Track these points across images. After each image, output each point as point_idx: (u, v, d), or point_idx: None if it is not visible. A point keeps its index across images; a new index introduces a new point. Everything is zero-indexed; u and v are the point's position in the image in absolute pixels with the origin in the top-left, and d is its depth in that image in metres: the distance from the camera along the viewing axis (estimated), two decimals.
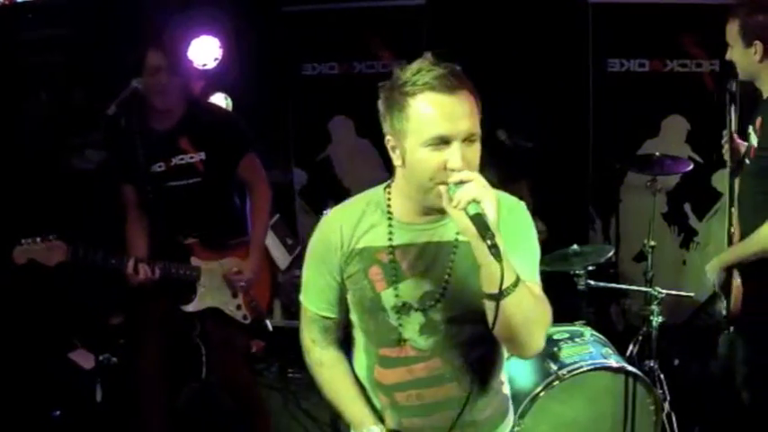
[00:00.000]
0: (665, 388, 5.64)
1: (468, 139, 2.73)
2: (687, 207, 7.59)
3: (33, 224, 5.14)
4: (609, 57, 7.43)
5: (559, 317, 5.61)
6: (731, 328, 5.13)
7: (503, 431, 3.30)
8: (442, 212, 2.82)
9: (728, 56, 4.77)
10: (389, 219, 3.00)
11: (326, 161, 8.01)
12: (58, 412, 6.04)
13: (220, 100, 7.12)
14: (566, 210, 7.56)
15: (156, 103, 5.09)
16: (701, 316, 7.47)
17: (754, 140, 4.69)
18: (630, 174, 7.32)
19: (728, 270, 4.89)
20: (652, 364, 5.63)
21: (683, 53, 7.13)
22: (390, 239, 2.98)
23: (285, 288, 6.71)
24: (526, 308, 2.74)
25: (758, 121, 4.65)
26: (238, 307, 5.39)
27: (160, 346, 5.40)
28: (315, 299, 3.22)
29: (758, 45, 4.54)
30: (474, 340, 3.00)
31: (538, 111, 7.39)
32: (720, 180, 7.16)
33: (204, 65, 6.98)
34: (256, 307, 5.46)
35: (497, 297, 2.65)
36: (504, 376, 3.29)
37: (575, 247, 5.88)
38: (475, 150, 2.78)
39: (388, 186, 3.07)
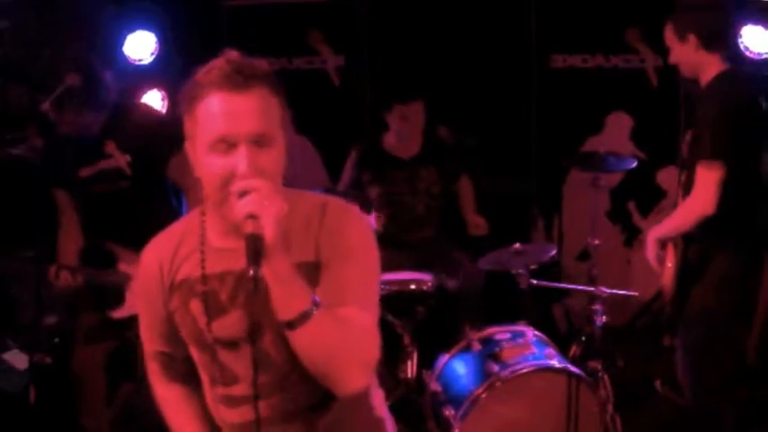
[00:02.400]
0: (609, 389, 5.68)
1: (258, 142, 2.46)
2: (631, 205, 7.66)
3: None
4: (552, 52, 7.50)
5: (501, 317, 5.68)
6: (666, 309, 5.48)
7: None
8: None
9: (671, 59, 5.17)
10: (202, 244, 2.72)
11: None
12: None
13: (156, 96, 7.09)
14: (508, 207, 7.60)
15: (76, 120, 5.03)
16: (645, 316, 7.56)
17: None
18: (573, 171, 7.39)
19: (661, 250, 5.27)
20: (595, 365, 5.65)
21: (627, 48, 7.19)
22: (203, 268, 2.69)
23: None
24: (329, 340, 2.46)
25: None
26: None
27: (94, 346, 5.34)
28: (149, 335, 2.94)
29: (692, 37, 4.97)
30: None
31: (480, 107, 7.42)
32: (665, 177, 7.24)
33: (140, 60, 6.95)
34: None
35: (288, 327, 2.43)
36: (375, 401, 2.95)
37: (517, 245, 5.91)
38: (270, 155, 2.49)
39: (204, 207, 2.76)
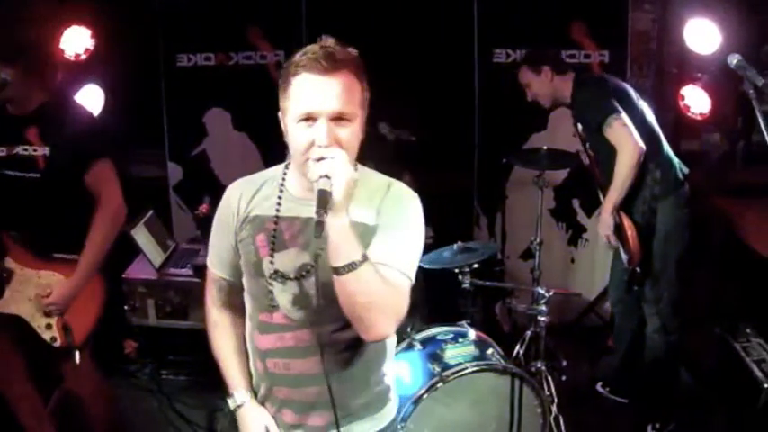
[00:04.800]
0: (553, 390, 5.72)
1: (337, 119, 2.97)
2: (576, 203, 7.73)
3: None
4: (495, 47, 7.52)
5: (443, 316, 5.71)
6: (638, 270, 5.91)
7: (378, 421, 3.50)
8: None
9: (530, 98, 6.15)
10: (281, 191, 3.27)
11: (202, 156, 7.96)
12: None
13: (92, 92, 7.05)
14: (450, 206, 7.62)
15: (10, 108, 5.02)
16: (589, 315, 7.63)
17: (579, 126, 6.11)
18: (517, 169, 7.41)
19: (617, 218, 5.79)
20: (539, 365, 5.71)
21: (572, 43, 7.24)
22: (278, 210, 3.23)
23: (159, 287, 6.66)
24: (370, 290, 2.93)
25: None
26: (48, 326, 5.07)
27: (10, 351, 5.29)
28: (214, 260, 3.51)
29: (546, 69, 6.01)
30: (345, 320, 3.09)
31: (421, 103, 7.44)
32: None
33: (76, 55, 6.91)
34: (70, 333, 5.09)
35: (336, 272, 2.91)
36: (387, 369, 3.51)
37: (459, 243, 5.95)
38: (347, 131, 3.00)
39: (288, 162, 3.31)
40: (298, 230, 3.20)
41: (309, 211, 2.94)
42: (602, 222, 5.85)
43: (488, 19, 7.46)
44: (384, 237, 3.10)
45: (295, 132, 3.02)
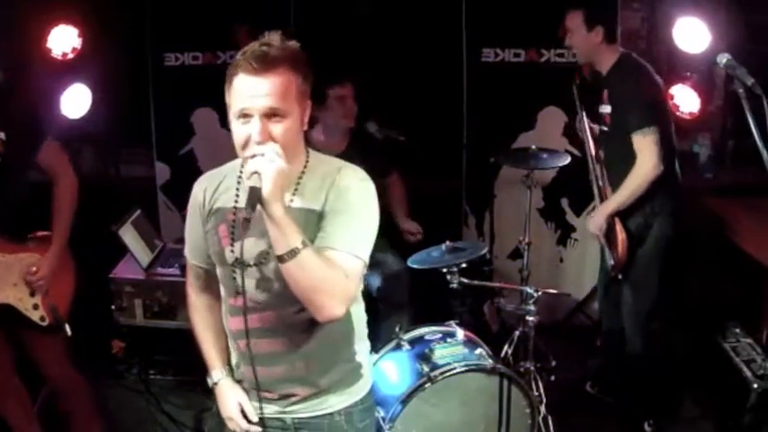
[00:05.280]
0: (542, 390, 5.72)
1: (270, 115, 3.15)
2: (564, 202, 7.73)
3: None
4: (483, 46, 7.51)
5: (431, 316, 5.70)
6: (619, 276, 5.95)
7: (351, 395, 3.67)
8: None
9: (568, 42, 5.91)
10: (239, 183, 3.45)
11: (190, 155, 7.95)
12: None
13: (79, 91, 7.03)
14: (438, 205, 7.63)
15: None
16: (578, 315, 7.63)
17: (606, 108, 5.76)
18: (505, 168, 7.40)
19: (610, 222, 5.78)
20: (528, 365, 5.69)
21: (561, 43, 7.23)
22: (236, 201, 3.42)
23: (147, 287, 6.65)
24: (313, 274, 3.12)
25: (604, 93, 5.77)
26: (35, 307, 5.19)
27: None
28: (189, 248, 3.74)
29: (599, 29, 5.74)
30: None
31: (410, 102, 7.44)
32: None
33: (64, 54, 6.89)
34: (55, 309, 5.25)
35: (279, 260, 3.11)
36: (358, 348, 3.70)
37: (447, 243, 5.94)
38: (281, 126, 3.17)
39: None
40: (254, 220, 3.23)
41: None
42: (595, 222, 5.89)
43: (477, 18, 7.43)
44: (331, 221, 3.27)
45: (234, 129, 3.21)
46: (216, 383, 3.77)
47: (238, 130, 3.19)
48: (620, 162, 5.71)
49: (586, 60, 5.99)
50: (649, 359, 5.96)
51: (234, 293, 3.51)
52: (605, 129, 5.88)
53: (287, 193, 3.29)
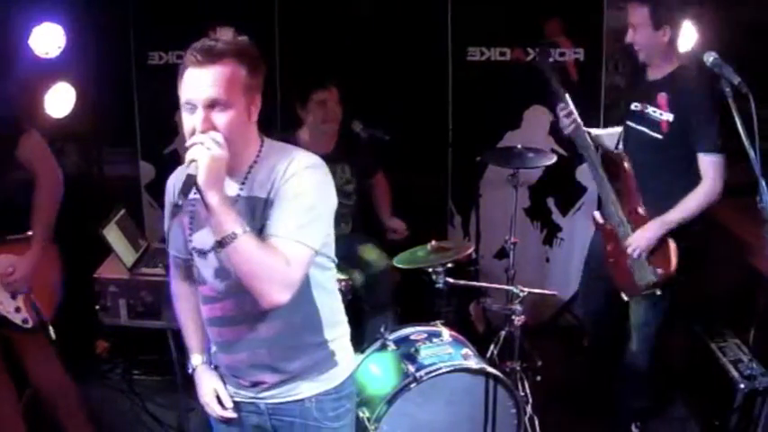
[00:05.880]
0: (528, 390, 5.72)
1: (212, 106, 3.23)
2: (550, 202, 7.73)
3: None
4: (469, 45, 7.52)
5: (417, 316, 5.69)
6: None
7: (324, 382, 3.70)
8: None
9: (630, 38, 5.40)
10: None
11: (174, 155, 7.90)
12: None
13: (63, 90, 7.00)
14: (424, 204, 7.63)
15: None
16: (564, 315, 7.63)
17: (665, 116, 5.30)
18: (491, 167, 7.38)
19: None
20: (514, 366, 5.69)
21: (547, 41, 7.23)
22: (195, 193, 3.28)
23: (131, 286, 6.63)
24: (252, 260, 3.19)
25: (660, 98, 5.33)
26: (17, 309, 5.12)
27: None
28: (168, 239, 3.78)
29: (667, 29, 5.25)
30: None
31: (395, 101, 7.42)
32: (585, 174, 7.28)
33: (47, 53, 6.85)
34: (38, 310, 5.15)
35: (218, 245, 3.21)
36: (329, 336, 3.70)
37: (433, 242, 5.94)
38: (224, 116, 3.24)
39: None
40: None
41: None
42: (648, 238, 5.42)
43: (462, 17, 7.44)
44: (276, 208, 3.32)
45: (183, 119, 3.30)
46: (194, 369, 3.90)
47: (186, 120, 3.28)
48: (669, 173, 5.42)
49: (647, 61, 5.49)
50: (649, 363, 5.88)
51: (201, 282, 3.64)
52: (658, 136, 5.38)
53: (235, 182, 3.42)
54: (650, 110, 5.40)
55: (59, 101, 6.59)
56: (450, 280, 5.79)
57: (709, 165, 5.22)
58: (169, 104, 7.78)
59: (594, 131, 5.69)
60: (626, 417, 6.00)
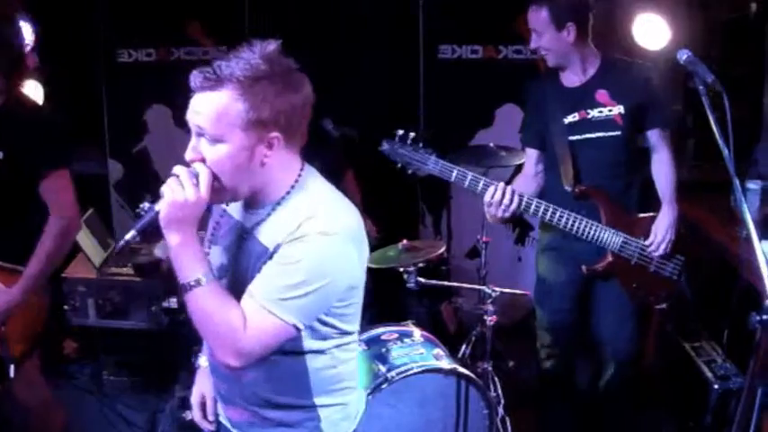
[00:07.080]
0: (500, 391, 5.71)
1: (202, 135, 2.94)
2: None
3: None
4: (440, 43, 7.51)
5: (388, 316, 5.67)
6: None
7: None
8: (251, 199, 3.11)
9: (535, 44, 5.24)
10: None
11: (143, 153, 7.89)
12: None
13: (31, 87, 6.95)
14: (395, 203, 7.61)
15: None
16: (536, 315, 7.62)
17: (615, 110, 5.19)
18: (463, 165, 7.38)
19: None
20: (486, 366, 5.68)
21: (519, 39, 7.21)
22: (227, 204, 3.24)
23: (99, 286, 6.60)
24: (204, 315, 2.97)
25: (600, 94, 5.23)
26: None
27: None
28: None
29: (571, 26, 5.08)
30: None
31: (365, 99, 7.41)
32: None
33: None
34: (5, 347, 4.78)
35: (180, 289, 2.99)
36: (320, 402, 3.32)
37: (404, 242, 5.92)
38: (214, 150, 2.93)
39: None
40: (227, 230, 3.25)
41: (243, 215, 3.19)
42: (668, 238, 5.31)
43: (434, 14, 7.43)
44: (267, 267, 2.99)
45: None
46: (197, 368, 3.80)
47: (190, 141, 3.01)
48: (627, 169, 5.33)
49: (557, 65, 5.30)
50: (631, 361, 5.81)
51: None
52: (617, 133, 5.21)
53: (253, 217, 3.11)
54: (595, 112, 5.24)
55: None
56: (422, 280, 5.78)
57: (663, 138, 5.29)
58: (138, 102, 7.82)
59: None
60: (600, 417, 6.01)
